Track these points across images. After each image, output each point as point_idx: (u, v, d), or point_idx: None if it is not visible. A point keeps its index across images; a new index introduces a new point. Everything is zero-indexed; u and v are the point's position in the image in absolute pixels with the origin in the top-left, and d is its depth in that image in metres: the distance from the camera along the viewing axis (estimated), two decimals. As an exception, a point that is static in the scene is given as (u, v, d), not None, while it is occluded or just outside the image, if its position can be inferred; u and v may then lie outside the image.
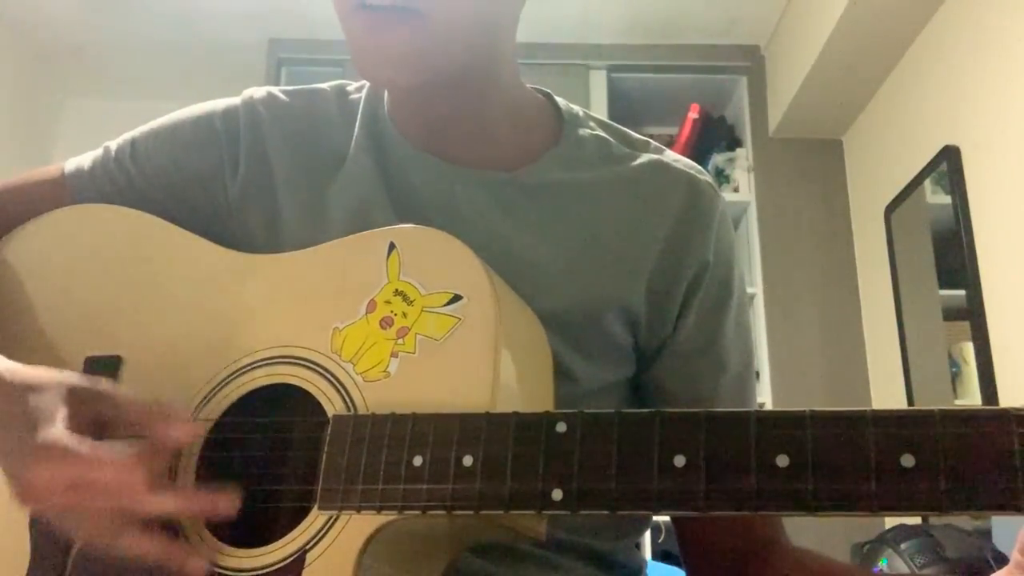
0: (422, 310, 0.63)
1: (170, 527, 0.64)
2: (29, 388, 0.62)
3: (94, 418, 0.62)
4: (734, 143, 3.31)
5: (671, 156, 0.84)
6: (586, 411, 0.55)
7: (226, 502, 0.60)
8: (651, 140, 0.86)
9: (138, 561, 0.60)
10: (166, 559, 0.60)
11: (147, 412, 0.62)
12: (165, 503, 0.59)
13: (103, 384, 0.64)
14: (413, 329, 0.63)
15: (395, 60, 0.69)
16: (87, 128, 3.33)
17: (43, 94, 3.55)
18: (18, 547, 0.68)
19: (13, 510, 0.70)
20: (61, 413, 0.60)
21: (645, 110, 3.37)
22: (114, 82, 3.53)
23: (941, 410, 0.47)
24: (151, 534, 0.60)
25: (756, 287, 3.06)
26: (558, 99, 0.86)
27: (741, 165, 3.22)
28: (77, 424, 0.60)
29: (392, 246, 0.66)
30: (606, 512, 0.52)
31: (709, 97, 3.32)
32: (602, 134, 0.84)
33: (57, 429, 0.59)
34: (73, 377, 0.64)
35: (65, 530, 0.63)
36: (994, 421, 0.46)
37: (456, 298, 0.62)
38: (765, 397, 2.93)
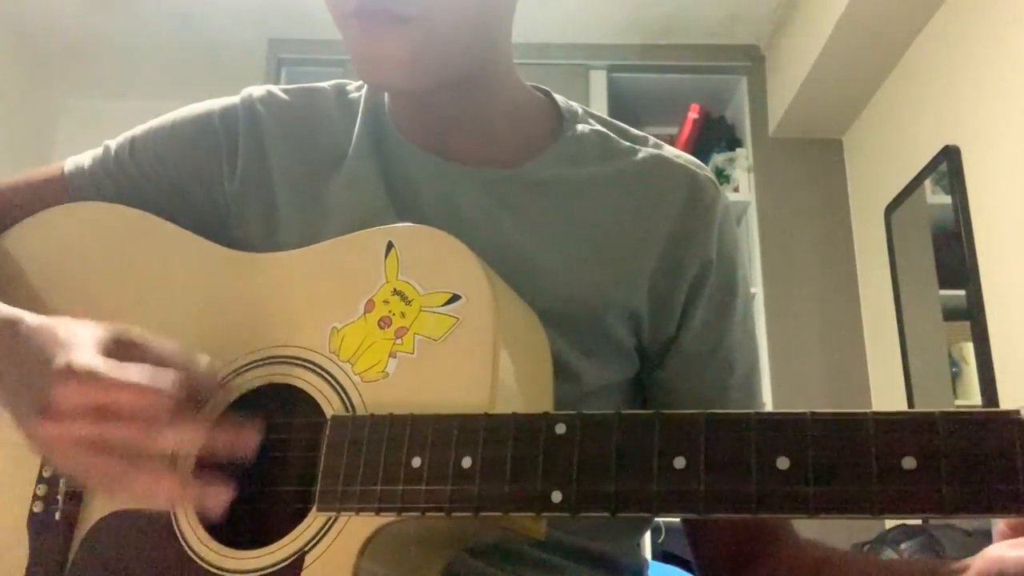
0: (420, 310, 0.63)
1: (166, 528, 0.64)
2: (53, 326, 0.62)
3: (123, 356, 0.60)
4: (734, 143, 3.31)
5: (671, 151, 0.83)
6: (585, 412, 0.55)
7: (245, 440, 0.60)
8: (650, 136, 0.86)
9: (151, 503, 0.59)
10: (176, 501, 0.60)
11: (177, 351, 0.62)
12: (187, 434, 0.58)
13: (135, 329, 0.63)
14: (411, 329, 0.62)
15: (393, 67, 0.70)
16: (87, 128, 3.32)
17: (43, 94, 3.55)
18: (17, 550, 0.68)
19: (10, 514, 0.70)
20: (89, 343, 0.60)
21: (645, 110, 3.36)
22: (114, 82, 3.52)
23: (942, 412, 0.47)
24: (166, 471, 0.59)
25: (756, 287, 3.06)
26: (557, 96, 0.86)
27: (741, 165, 3.22)
28: (106, 353, 0.59)
29: (390, 245, 0.66)
30: (606, 514, 0.52)
31: (709, 97, 3.32)
32: (601, 129, 0.84)
33: (85, 352, 0.58)
34: (101, 324, 0.63)
35: (77, 464, 0.59)
36: (995, 423, 0.46)
37: (455, 298, 0.62)
38: (765, 397, 2.92)
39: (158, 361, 0.61)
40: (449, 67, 0.73)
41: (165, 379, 0.57)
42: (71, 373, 0.57)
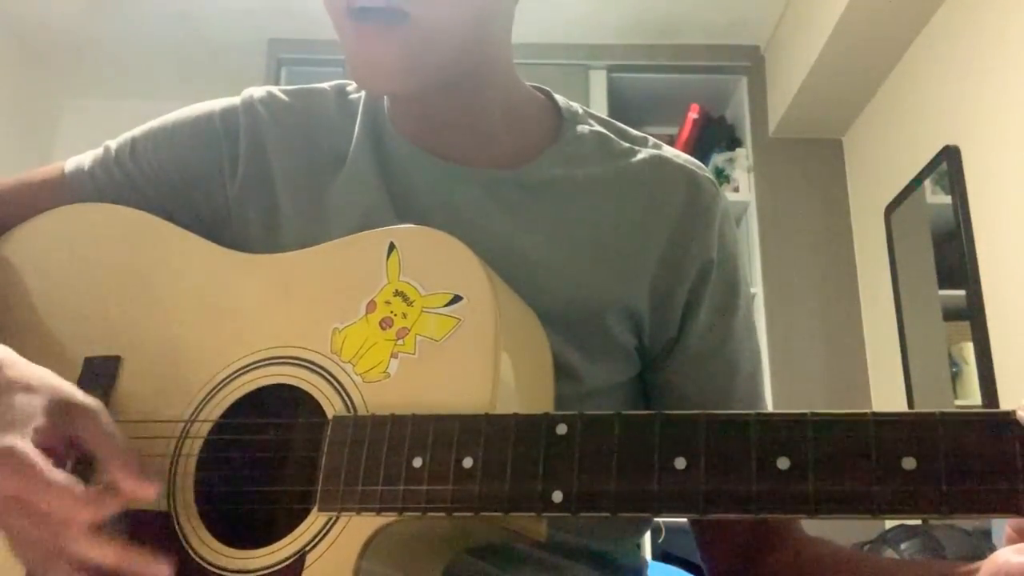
0: (422, 311, 0.63)
1: (167, 528, 0.64)
2: (19, 385, 0.61)
3: (70, 439, 0.60)
4: (734, 143, 3.31)
5: (671, 152, 0.83)
6: (586, 413, 0.55)
7: (155, 571, 0.58)
8: (650, 136, 0.86)
9: None
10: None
11: (118, 455, 0.60)
12: (98, 552, 0.57)
13: (92, 408, 0.61)
14: (413, 330, 0.62)
15: (388, 70, 0.70)
16: (87, 128, 3.31)
17: (43, 94, 3.55)
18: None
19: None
20: (37, 422, 0.58)
21: (645, 110, 3.36)
22: (114, 82, 3.53)
23: (942, 412, 0.47)
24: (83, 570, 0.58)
25: (756, 287, 3.06)
26: (557, 97, 0.86)
27: (741, 165, 3.22)
28: (48, 438, 0.58)
29: (392, 246, 0.66)
30: (606, 514, 0.52)
31: (709, 97, 3.32)
32: (601, 130, 0.84)
33: (24, 438, 0.57)
34: (66, 389, 0.62)
35: (7, 537, 0.60)
36: (995, 424, 0.46)
37: (456, 299, 0.62)
38: (765, 398, 2.92)
39: (98, 448, 0.60)
40: (445, 69, 0.73)
41: (90, 491, 0.56)
42: (7, 455, 0.56)
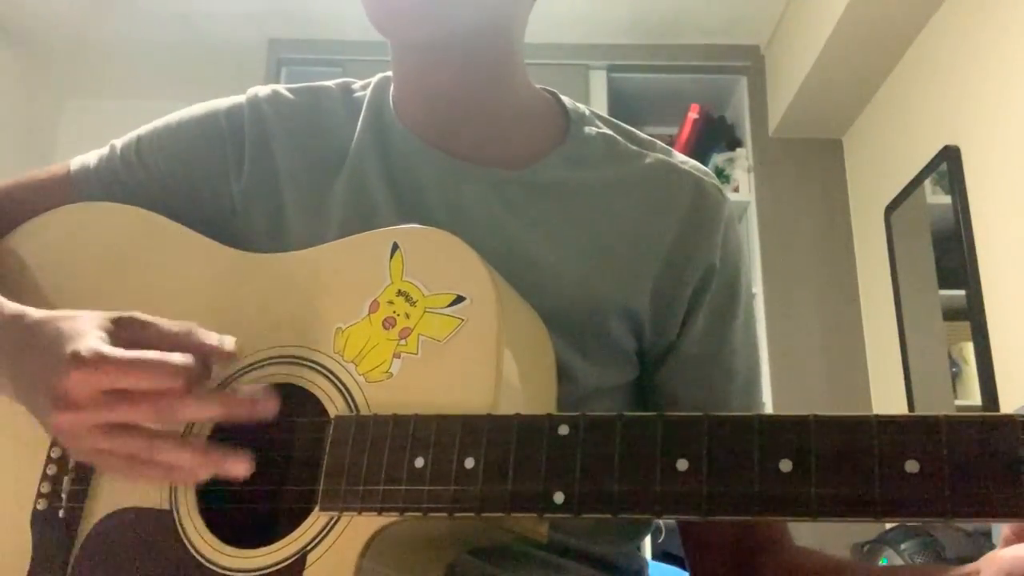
0: (425, 311, 0.63)
1: (169, 526, 0.64)
2: (59, 317, 0.63)
3: (132, 340, 0.61)
4: (734, 143, 3.31)
5: (679, 157, 0.83)
6: (589, 414, 0.55)
7: (263, 407, 0.60)
8: (657, 141, 0.86)
9: (174, 477, 0.60)
10: (202, 469, 0.60)
11: (183, 329, 0.63)
12: (204, 406, 0.59)
13: (133, 314, 0.64)
14: (416, 330, 0.62)
15: (407, 12, 0.70)
16: (87, 128, 3.33)
17: (43, 94, 3.55)
18: (19, 547, 0.68)
19: (13, 511, 0.70)
20: (97, 328, 0.60)
21: (645, 110, 3.37)
22: (114, 82, 3.53)
23: (946, 416, 0.47)
24: (184, 445, 0.59)
25: (756, 287, 3.06)
26: (564, 98, 0.86)
27: (741, 165, 3.22)
28: (113, 340, 0.60)
29: (395, 246, 0.66)
30: (608, 515, 0.52)
31: (709, 97, 3.32)
32: (609, 132, 0.84)
33: (92, 339, 0.58)
34: (100, 312, 0.64)
35: (97, 450, 0.60)
36: (999, 428, 0.46)
37: (459, 299, 0.62)
38: (765, 397, 2.92)
39: (165, 338, 0.62)
40: (462, 20, 0.73)
41: (173, 355, 0.58)
42: (79, 361, 0.57)
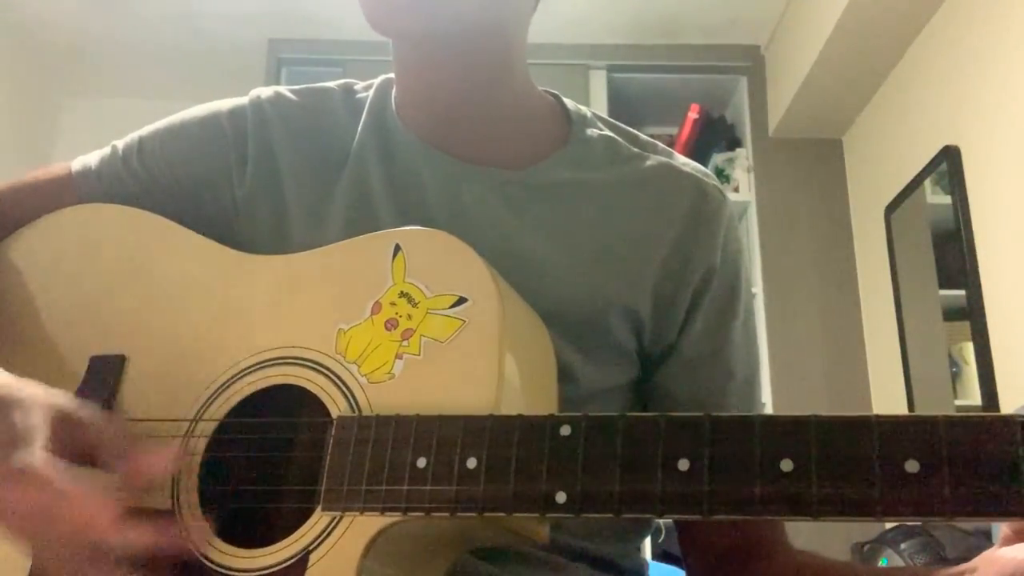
0: (427, 312, 0.63)
1: (173, 525, 0.64)
2: (14, 404, 0.61)
3: (78, 444, 0.60)
4: (734, 143, 3.32)
5: (680, 159, 0.84)
6: (591, 414, 0.55)
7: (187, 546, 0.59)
8: (659, 143, 0.86)
9: None
10: None
11: (127, 443, 0.61)
12: (132, 539, 0.57)
13: (90, 411, 0.63)
14: (418, 331, 0.63)
15: (401, 6, 0.70)
16: (87, 128, 3.34)
17: (43, 94, 3.55)
18: (20, 551, 0.68)
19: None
20: (42, 435, 0.59)
21: (645, 110, 3.37)
22: (114, 82, 3.53)
23: (946, 416, 0.47)
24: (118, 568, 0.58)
25: (756, 287, 3.06)
26: (566, 100, 0.86)
27: (741, 165, 3.22)
28: (58, 448, 0.58)
29: (397, 248, 0.66)
30: (609, 515, 0.52)
31: (709, 97, 3.32)
32: (610, 135, 0.84)
33: (35, 452, 0.57)
34: (61, 398, 0.62)
35: (36, 553, 0.61)
36: (999, 427, 0.46)
37: (461, 300, 0.62)
38: (765, 397, 2.93)
39: (103, 444, 0.61)
40: (458, 22, 0.73)
41: (103, 484, 0.57)
42: (18, 475, 0.56)
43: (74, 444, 0.60)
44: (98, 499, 0.56)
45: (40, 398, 0.62)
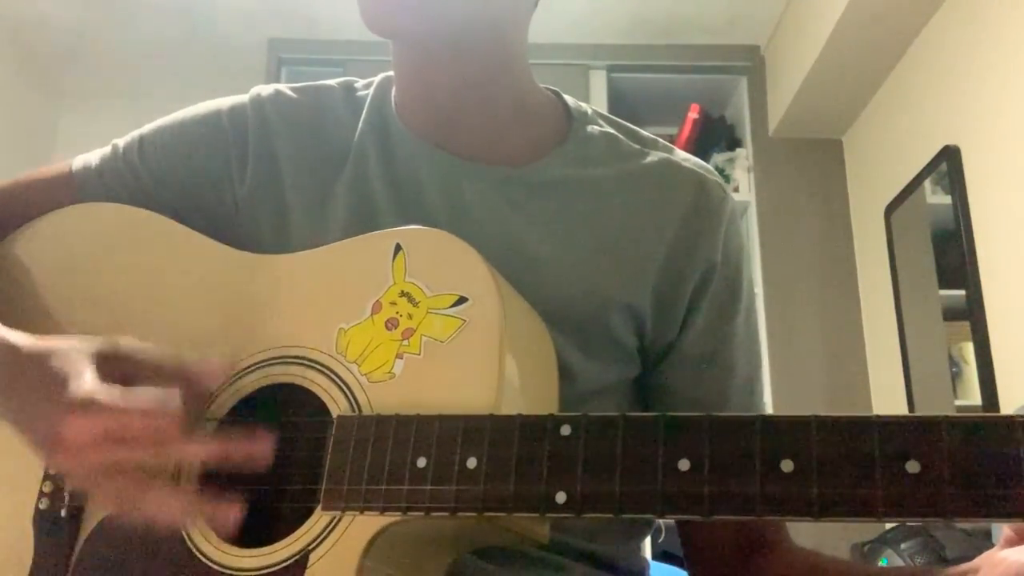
0: (427, 311, 0.63)
1: (172, 529, 0.64)
2: (49, 353, 0.63)
3: (120, 374, 0.62)
4: (734, 143, 3.31)
5: (681, 155, 0.83)
6: (591, 414, 0.55)
7: (260, 446, 0.60)
8: (660, 139, 0.86)
9: (164, 521, 0.60)
10: (194, 514, 0.61)
11: (173, 360, 0.63)
12: (200, 448, 0.60)
13: (124, 341, 0.64)
14: (418, 330, 0.63)
15: (397, 7, 0.71)
16: (86, 128, 3.33)
17: (42, 94, 3.55)
18: (21, 546, 0.68)
19: (15, 510, 0.70)
20: (88, 369, 0.60)
21: (645, 110, 3.37)
22: (114, 82, 3.52)
23: (947, 417, 0.47)
24: (175, 489, 0.60)
25: (756, 287, 3.05)
26: (567, 97, 0.86)
27: (741, 165, 3.22)
28: (105, 378, 0.60)
29: (398, 247, 0.66)
30: (610, 515, 0.52)
31: (709, 97, 3.32)
32: (611, 131, 0.84)
33: (86, 382, 0.59)
34: (91, 340, 0.64)
35: (94, 490, 0.62)
36: (999, 429, 0.46)
37: (462, 300, 0.62)
38: (765, 397, 2.92)
39: (154, 370, 0.63)
40: (456, 23, 0.73)
41: (166, 397, 0.58)
42: (78, 406, 0.58)
43: (123, 373, 0.62)
44: (162, 411, 0.58)
45: (72, 343, 0.64)
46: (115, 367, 0.62)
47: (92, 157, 0.85)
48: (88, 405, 0.57)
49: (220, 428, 0.67)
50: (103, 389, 0.58)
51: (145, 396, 0.58)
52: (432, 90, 0.79)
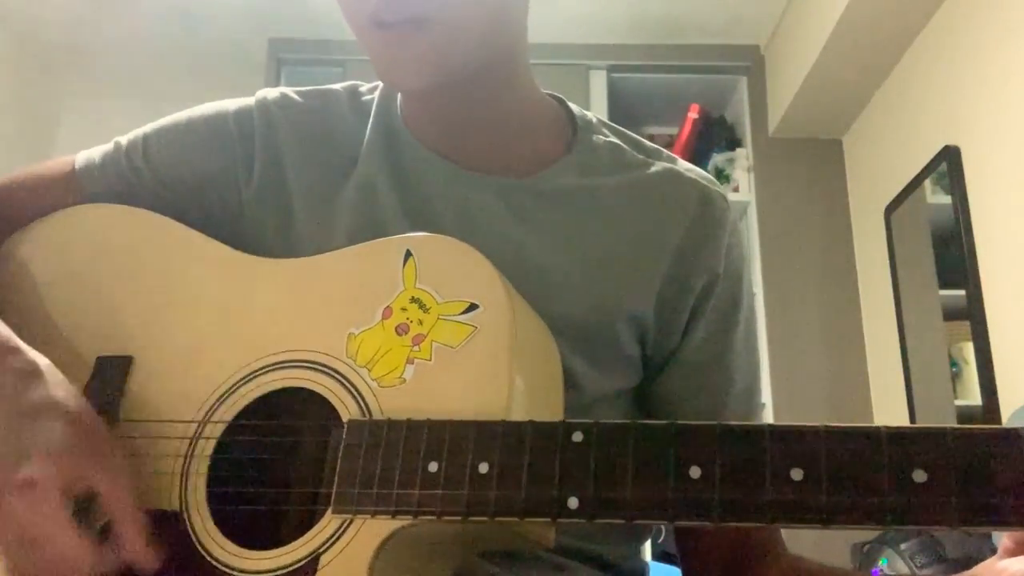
0: (438, 318, 0.63)
1: (179, 528, 0.64)
2: (46, 409, 0.61)
3: (87, 481, 0.60)
4: (734, 143, 3.32)
5: (684, 165, 0.84)
6: (602, 421, 0.55)
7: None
8: (663, 149, 0.86)
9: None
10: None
11: (133, 519, 0.61)
12: None
13: (117, 462, 0.62)
14: (429, 336, 0.63)
15: (416, 69, 0.71)
16: (87, 128, 3.33)
17: (43, 94, 3.55)
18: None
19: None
20: (61, 457, 0.59)
21: (645, 110, 3.37)
22: (114, 82, 3.52)
23: (953, 428, 0.48)
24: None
25: (756, 287, 3.06)
26: (571, 105, 0.86)
27: (741, 165, 3.23)
28: (67, 476, 0.58)
29: (408, 254, 0.67)
30: (621, 521, 0.53)
31: (709, 97, 3.32)
32: (616, 141, 0.84)
33: (45, 471, 0.57)
34: (92, 425, 0.62)
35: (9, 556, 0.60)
36: (1004, 439, 0.47)
37: (472, 307, 0.63)
38: (765, 398, 2.92)
39: (114, 504, 0.61)
40: (469, 62, 0.73)
41: (100, 549, 0.58)
42: (27, 485, 0.57)
43: (88, 480, 0.60)
44: (87, 552, 0.57)
45: (74, 412, 0.61)
46: (86, 467, 0.60)
47: (95, 153, 0.85)
48: (30, 495, 0.56)
49: (227, 431, 0.67)
50: (53, 492, 0.57)
51: (81, 530, 0.57)
52: (439, 103, 0.80)
